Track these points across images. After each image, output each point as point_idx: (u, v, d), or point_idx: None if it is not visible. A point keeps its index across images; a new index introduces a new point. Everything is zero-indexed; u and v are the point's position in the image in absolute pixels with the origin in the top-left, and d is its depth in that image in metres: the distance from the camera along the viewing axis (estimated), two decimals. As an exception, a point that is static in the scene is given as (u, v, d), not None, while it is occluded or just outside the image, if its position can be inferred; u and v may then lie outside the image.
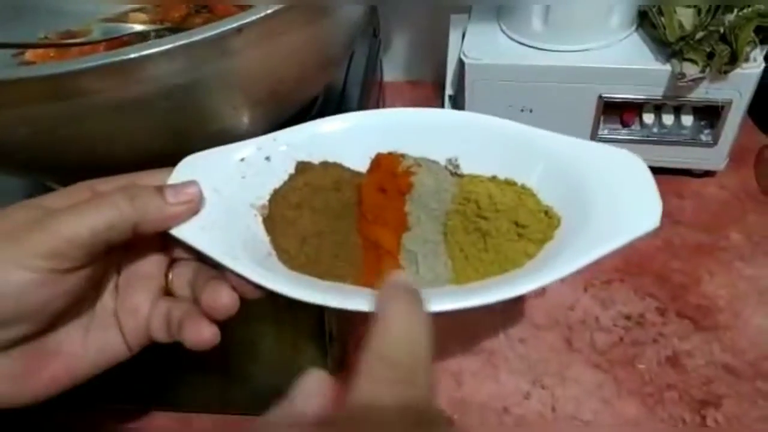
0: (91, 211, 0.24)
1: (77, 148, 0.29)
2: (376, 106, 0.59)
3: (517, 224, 0.29)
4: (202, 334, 0.27)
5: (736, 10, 0.45)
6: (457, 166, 0.33)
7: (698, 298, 0.45)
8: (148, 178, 0.29)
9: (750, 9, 0.45)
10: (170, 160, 0.33)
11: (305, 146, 0.32)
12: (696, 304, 0.45)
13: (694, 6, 0.46)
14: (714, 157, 0.51)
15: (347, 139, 0.33)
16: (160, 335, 0.28)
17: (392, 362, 0.19)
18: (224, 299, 0.27)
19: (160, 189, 0.27)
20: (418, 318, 0.21)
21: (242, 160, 0.31)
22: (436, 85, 0.68)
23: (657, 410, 0.39)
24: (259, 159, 0.31)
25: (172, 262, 0.30)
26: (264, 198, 0.31)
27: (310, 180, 0.32)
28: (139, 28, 0.45)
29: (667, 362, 0.41)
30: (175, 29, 0.47)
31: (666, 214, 0.53)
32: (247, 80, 0.31)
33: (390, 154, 0.33)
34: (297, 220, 0.30)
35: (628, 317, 0.44)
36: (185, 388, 0.41)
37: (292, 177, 0.32)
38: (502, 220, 0.30)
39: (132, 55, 0.25)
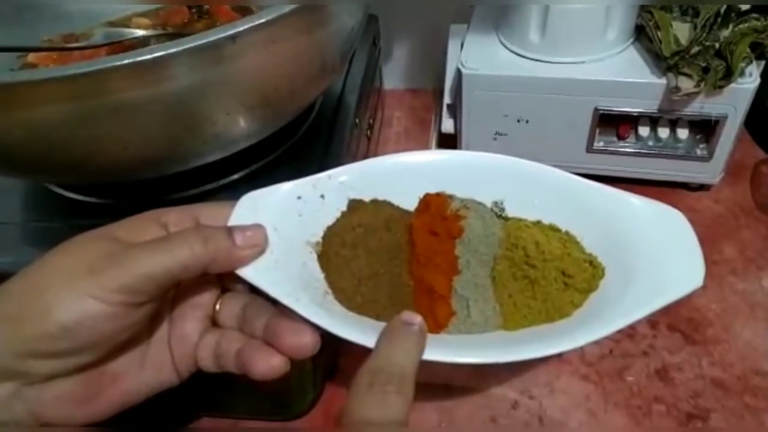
0: (167, 251, 0.25)
1: (72, 151, 0.30)
2: (375, 113, 0.59)
3: (564, 273, 0.30)
4: (272, 363, 0.27)
5: (731, 26, 0.46)
6: (502, 209, 0.33)
7: (689, 312, 0.45)
8: (211, 211, 0.29)
9: (746, 25, 0.45)
10: (164, 162, 0.34)
11: (357, 184, 0.33)
12: (687, 318, 0.45)
13: (691, 21, 0.46)
14: (709, 171, 0.51)
15: (396, 177, 0.33)
16: (208, 365, 0.29)
17: (386, 374, 0.25)
18: (307, 339, 0.27)
19: (231, 231, 0.27)
20: (415, 349, 0.26)
21: (299, 198, 0.31)
22: (436, 94, 0.69)
23: (644, 423, 0.39)
24: (315, 197, 0.32)
25: (222, 292, 0.31)
26: (318, 235, 0.31)
27: (364, 219, 0.32)
28: (141, 32, 0.46)
29: (655, 375, 0.42)
30: (177, 34, 0.48)
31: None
32: (242, 87, 0.32)
33: (438, 194, 0.33)
34: (353, 260, 0.31)
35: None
36: (181, 390, 0.41)
37: (344, 215, 0.32)
38: (550, 269, 0.30)
39: (126, 61, 0.26)
